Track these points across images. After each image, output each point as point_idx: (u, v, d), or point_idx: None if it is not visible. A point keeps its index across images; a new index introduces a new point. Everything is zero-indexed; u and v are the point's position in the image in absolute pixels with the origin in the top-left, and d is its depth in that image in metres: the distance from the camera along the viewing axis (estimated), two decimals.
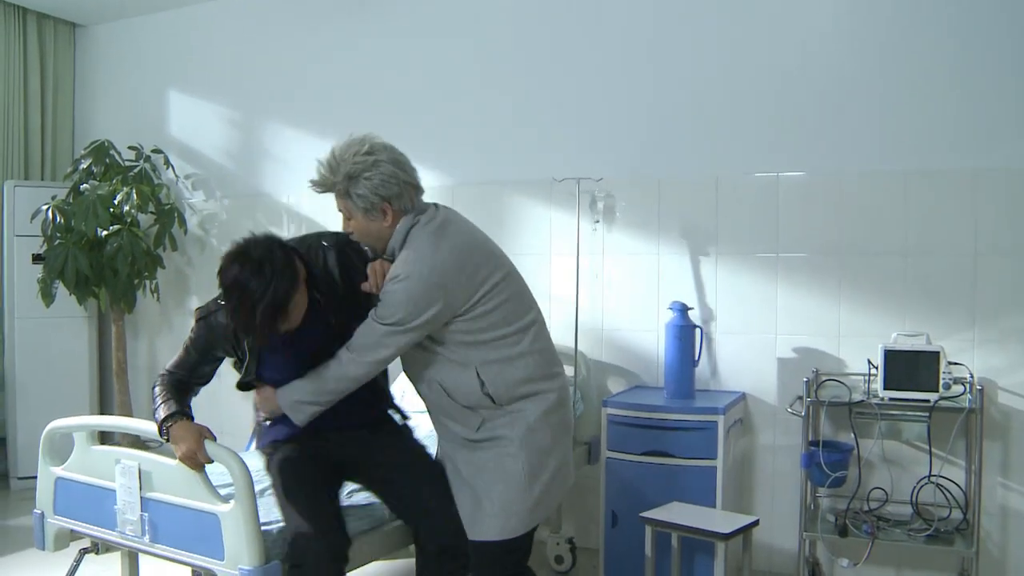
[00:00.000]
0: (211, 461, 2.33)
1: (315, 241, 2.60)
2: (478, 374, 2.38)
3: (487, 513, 2.41)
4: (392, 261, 2.41)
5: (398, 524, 2.65)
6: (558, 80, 4.21)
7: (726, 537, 2.95)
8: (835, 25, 3.68)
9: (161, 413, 2.40)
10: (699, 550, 3.28)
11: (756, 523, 3.08)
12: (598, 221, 4.07)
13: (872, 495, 3.41)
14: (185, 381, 2.53)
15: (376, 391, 2.75)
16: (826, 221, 3.67)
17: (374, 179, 2.33)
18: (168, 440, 2.35)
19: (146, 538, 2.43)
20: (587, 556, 3.93)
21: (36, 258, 4.90)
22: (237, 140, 5.13)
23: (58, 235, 4.65)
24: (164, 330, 5.35)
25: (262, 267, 2.24)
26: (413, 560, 2.65)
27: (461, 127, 4.43)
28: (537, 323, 2.51)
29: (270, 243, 2.33)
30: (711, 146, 3.88)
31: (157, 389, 2.48)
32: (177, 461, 2.34)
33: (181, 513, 2.38)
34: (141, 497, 2.43)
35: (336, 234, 2.59)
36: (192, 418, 2.42)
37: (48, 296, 4.64)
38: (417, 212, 2.40)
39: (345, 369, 2.40)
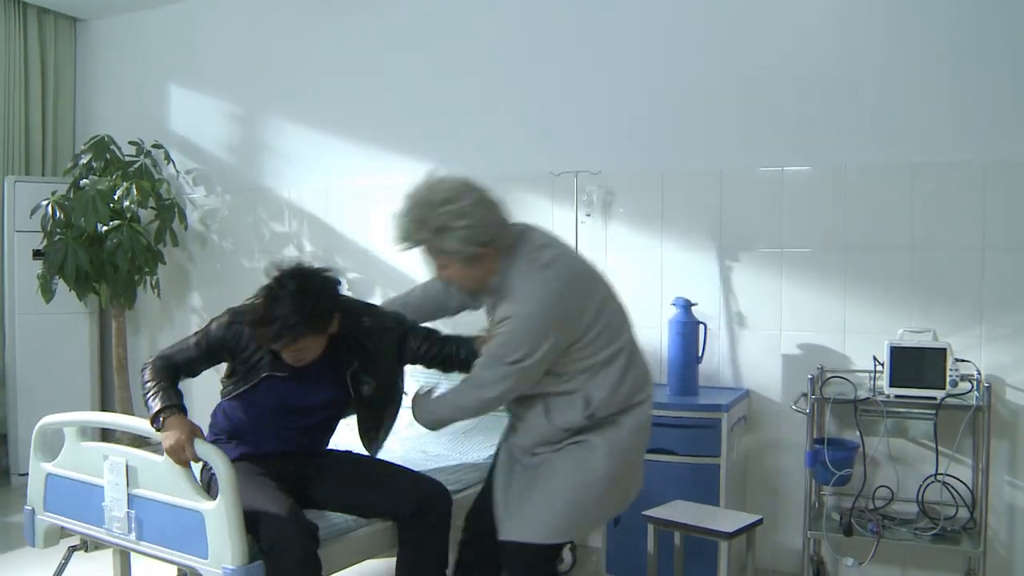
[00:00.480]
0: (198, 459, 2.30)
1: (385, 320, 2.67)
2: (586, 399, 2.35)
3: (555, 512, 2.36)
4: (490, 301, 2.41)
5: (364, 530, 2.63)
6: (559, 73, 4.17)
7: (729, 536, 2.90)
8: (840, 16, 3.63)
9: (157, 403, 2.37)
10: (702, 549, 3.23)
11: (760, 522, 3.03)
12: (588, 214, 4.02)
13: (878, 493, 3.37)
14: (176, 372, 2.51)
15: (331, 430, 2.81)
16: (831, 216, 3.62)
17: (468, 228, 2.21)
18: (160, 429, 2.33)
19: (132, 535, 2.42)
20: (588, 555, 3.89)
21: (36, 254, 4.88)
22: (238, 135, 5.11)
23: (58, 231, 4.62)
24: (165, 326, 5.33)
25: (319, 294, 2.39)
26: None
27: (461, 121, 4.40)
28: (633, 336, 2.49)
29: (328, 285, 2.47)
30: (715, 140, 3.83)
31: (149, 374, 2.46)
32: (164, 457, 2.32)
33: (166, 510, 2.35)
34: (128, 494, 2.41)
35: (401, 322, 2.67)
36: (187, 413, 2.40)
37: (48, 292, 4.62)
38: (514, 247, 2.33)
39: (466, 401, 2.41)
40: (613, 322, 2.39)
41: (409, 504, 2.58)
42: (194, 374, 2.55)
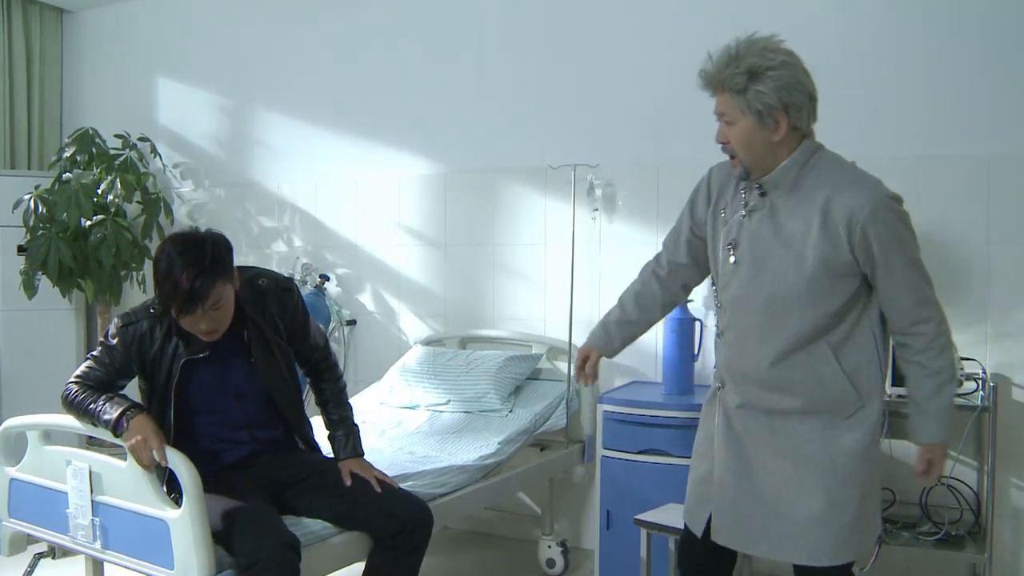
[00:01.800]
0: (164, 461, 2.20)
1: (281, 280, 2.64)
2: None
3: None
4: (758, 188, 2.09)
5: (342, 537, 2.54)
6: (554, 64, 4.07)
7: None
8: (840, 4, 3.52)
9: (115, 408, 2.29)
10: None
11: None
12: (596, 210, 3.93)
13: None
14: (102, 390, 2.42)
15: (281, 419, 2.70)
16: None
17: (781, 78, 1.97)
18: (125, 430, 2.24)
19: (98, 544, 2.32)
20: (580, 558, 3.81)
21: (20, 249, 4.79)
22: (227, 128, 5.02)
23: (41, 226, 4.53)
24: None
25: (203, 243, 2.30)
26: None
27: (454, 112, 4.30)
28: None
29: (209, 233, 2.39)
30: (712, 131, 3.66)
31: (81, 395, 2.38)
32: (128, 462, 2.22)
33: (131, 518, 2.26)
34: (92, 501, 2.31)
35: (277, 279, 2.62)
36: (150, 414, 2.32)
37: (31, 288, 4.54)
38: (812, 138, 2.08)
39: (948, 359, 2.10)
40: None
41: (393, 524, 2.49)
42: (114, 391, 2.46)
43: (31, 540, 2.63)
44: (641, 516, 2.99)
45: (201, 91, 5.09)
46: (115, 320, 2.46)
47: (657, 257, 2.52)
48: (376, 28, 4.52)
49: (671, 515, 2.99)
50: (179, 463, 2.17)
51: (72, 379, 2.44)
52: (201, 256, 2.27)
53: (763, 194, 2.09)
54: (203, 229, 2.42)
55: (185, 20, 5.14)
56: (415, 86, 4.40)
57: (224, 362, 2.50)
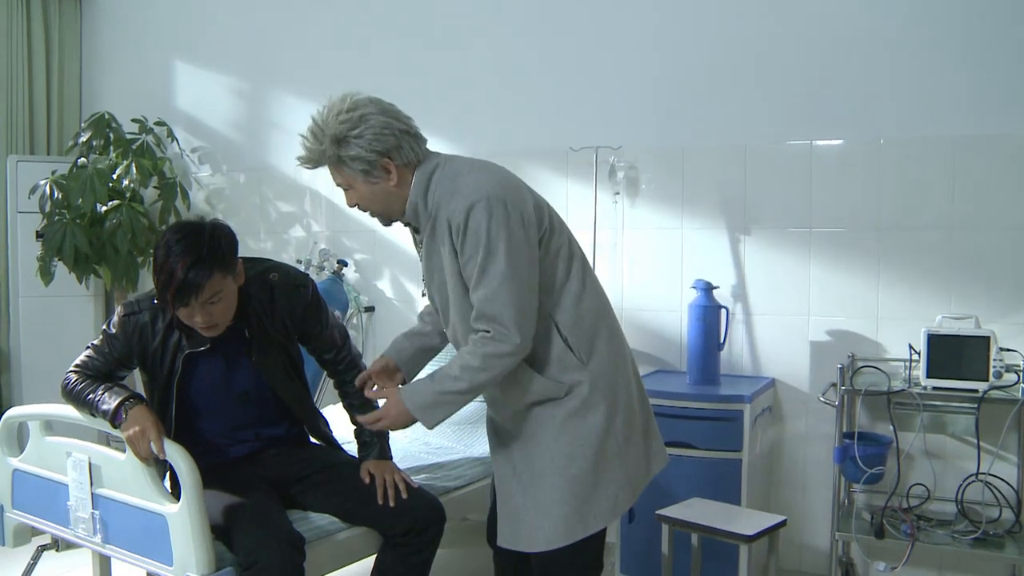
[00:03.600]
0: (163, 454, 2.12)
1: (295, 277, 2.52)
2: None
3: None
4: (412, 226, 2.14)
5: (349, 532, 2.45)
6: (574, 43, 3.95)
7: (749, 540, 2.70)
8: None
9: (113, 398, 2.22)
10: (721, 549, 3.03)
11: (783, 523, 2.83)
12: (618, 193, 3.81)
13: (913, 492, 3.12)
14: (101, 379, 2.35)
15: (288, 414, 2.60)
16: (865, 192, 3.38)
17: (365, 135, 2.01)
18: (124, 421, 2.18)
19: (98, 537, 2.25)
20: (607, 552, 3.70)
21: (39, 235, 4.75)
22: (244, 111, 4.95)
23: (57, 211, 4.49)
24: None
25: (202, 232, 2.19)
26: None
27: (473, 95, 4.19)
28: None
29: (216, 223, 2.28)
30: (739, 111, 3.60)
31: (80, 383, 2.31)
32: (127, 454, 2.15)
33: (130, 512, 2.19)
34: (92, 494, 2.25)
35: (289, 273, 2.50)
36: (149, 405, 2.24)
37: (47, 274, 4.51)
38: (429, 162, 2.10)
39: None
40: (566, 231, 2.16)
41: (404, 522, 2.39)
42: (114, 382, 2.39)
43: (35, 532, 2.58)
44: (663, 511, 2.91)
45: (218, 74, 5.02)
46: (118, 308, 2.38)
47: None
48: (394, 10, 4.41)
49: (694, 510, 2.90)
50: (177, 457, 2.09)
51: (72, 368, 2.37)
52: (198, 245, 2.17)
53: (416, 230, 2.15)
54: (217, 217, 2.35)
55: (201, 2, 5.06)
56: (433, 68, 4.29)
57: (228, 361, 2.41)
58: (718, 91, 3.65)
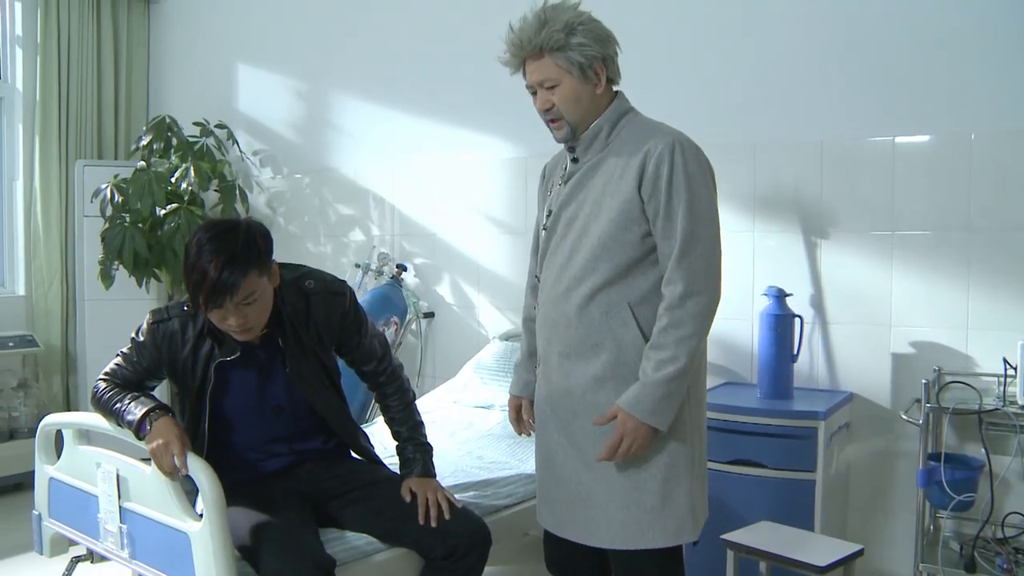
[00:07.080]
0: (185, 469, 2.03)
1: (332, 284, 2.41)
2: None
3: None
4: (574, 154, 2.16)
5: (387, 554, 2.32)
6: (638, 33, 3.76)
7: (823, 571, 2.49)
8: None
9: (139, 408, 2.14)
10: None
11: (860, 553, 2.60)
12: None
13: (1008, 521, 2.87)
14: (130, 388, 2.28)
15: (323, 428, 2.47)
16: (954, 191, 3.14)
17: (595, 31, 2.07)
18: (149, 431, 2.10)
19: (126, 552, 2.18)
20: None
21: (102, 239, 4.80)
22: (304, 114, 4.95)
23: (118, 215, 4.52)
24: None
25: (235, 230, 2.10)
26: None
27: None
28: None
29: (250, 221, 2.19)
30: (816, 105, 3.39)
31: (108, 392, 2.24)
32: (152, 467, 2.07)
33: (155, 528, 2.11)
34: (120, 507, 2.18)
35: (326, 281, 2.39)
36: (175, 417, 2.15)
37: (107, 278, 4.55)
38: (624, 99, 2.17)
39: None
40: None
41: (445, 545, 2.25)
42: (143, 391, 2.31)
43: (72, 543, 2.53)
44: (728, 536, 2.71)
45: (279, 76, 5.03)
46: (147, 316, 2.29)
47: (531, 271, 2.41)
48: (456, 8, 4.32)
49: (763, 535, 2.70)
50: (200, 473, 2.00)
51: (101, 375, 2.32)
52: (232, 243, 2.07)
53: (575, 160, 2.15)
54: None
55: (264, 4, 5.07)
56: (496, 67, 4.15)
57: (262, 371, 2.31)
58: (792, 84, 3.44)
